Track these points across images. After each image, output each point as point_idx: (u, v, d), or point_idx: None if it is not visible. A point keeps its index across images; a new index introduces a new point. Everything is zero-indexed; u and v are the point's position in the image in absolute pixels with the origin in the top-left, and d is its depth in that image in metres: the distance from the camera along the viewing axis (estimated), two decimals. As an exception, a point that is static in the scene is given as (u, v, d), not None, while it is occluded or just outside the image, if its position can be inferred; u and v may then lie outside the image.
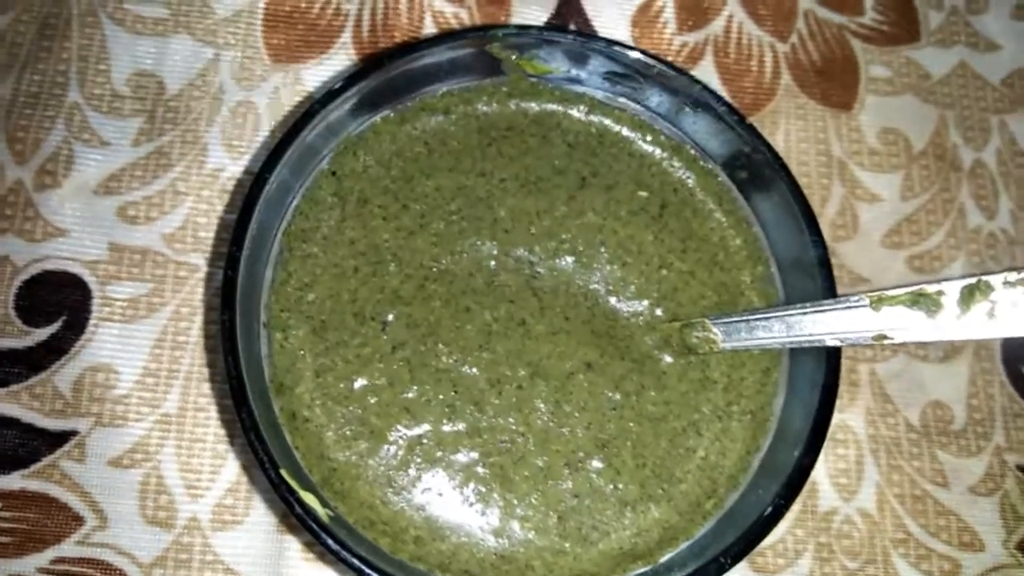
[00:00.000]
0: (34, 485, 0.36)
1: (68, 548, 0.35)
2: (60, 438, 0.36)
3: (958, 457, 0.40)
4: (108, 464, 0.36)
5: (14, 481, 0.36)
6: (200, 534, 0.36)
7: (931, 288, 0.29)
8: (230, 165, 0.41)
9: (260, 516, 0.36)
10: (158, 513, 0.36)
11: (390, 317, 0.33)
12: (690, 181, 0.37)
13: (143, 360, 0.38)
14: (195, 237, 0.40)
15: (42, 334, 0.38)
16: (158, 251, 0.39)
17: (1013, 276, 0.28)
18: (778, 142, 0.44)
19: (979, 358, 0.42)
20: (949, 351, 0.41)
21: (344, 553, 0.27)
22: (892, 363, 0.41)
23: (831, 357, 0.31)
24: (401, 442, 0.32)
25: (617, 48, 0.35)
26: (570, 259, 0.35)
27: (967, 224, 0.44)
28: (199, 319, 0.39)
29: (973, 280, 0.29)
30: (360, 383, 0.32)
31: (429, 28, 0.44)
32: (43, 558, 0.35)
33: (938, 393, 0.41)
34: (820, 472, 0.39)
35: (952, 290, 0.29)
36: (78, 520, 0.36)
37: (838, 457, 0.39)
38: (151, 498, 0.36)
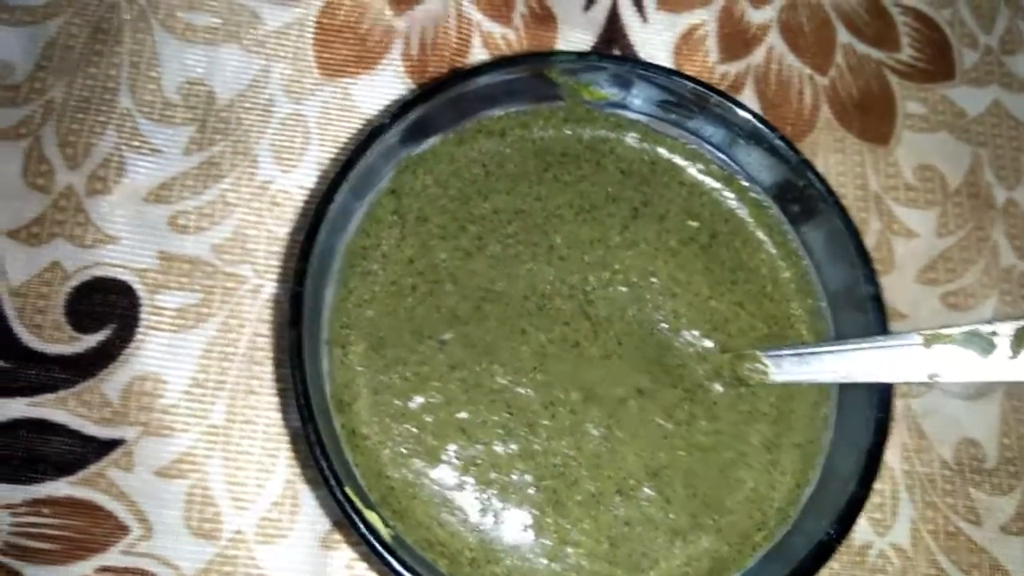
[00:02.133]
0: (80, 492, 0.36)
1: (113, 557, 0.35)
2: (108, 446, 0.37)
3: (991, 495, 0.41)
4: (155, 474, 0.36)
5: (61, 488, 0.36)
6: (245, 547, 0.36)
7: (984, 329, 0.30)
8: (279, 177, 0.41)
9: (304, 531, 0.36)
10: (203, 525, 0.36)
11: (447, 336, 0.33)
12: (741, 212, 0.37)
13: (191, 370, 0.38)
14: (244, 248, 0.40)
15: (91, 340, 0.38)
16: (207, 261, 0.40)
17: None
18: (817, 174, 0.45)
19: (1010, 397, 0.42)
20: (982, 388, 0.42)
21: (407, 575, 0.27)
22: (927, 399, 0.42)
23: (883, 393, 0.31)
24: (456, 462, 0.32)
25: (675, 78, 0.35)
26: (623, 288, 0.35)
27: (1000, 263, 0.45)
28: (247, 331, 0.39)
29: None
30: (417, 401, 0.32)
31: (477, 48, 0.45)
32: (88, 566, 0.35)
33: (971, 431, 0.41)
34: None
35: (1005, 331, 0.30)
36: (123, 529, 0.36)
37: (874, 492, 0.40)
38: (197, 509, 0.36)
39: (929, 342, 0.31)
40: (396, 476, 0.31)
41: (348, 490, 0.28)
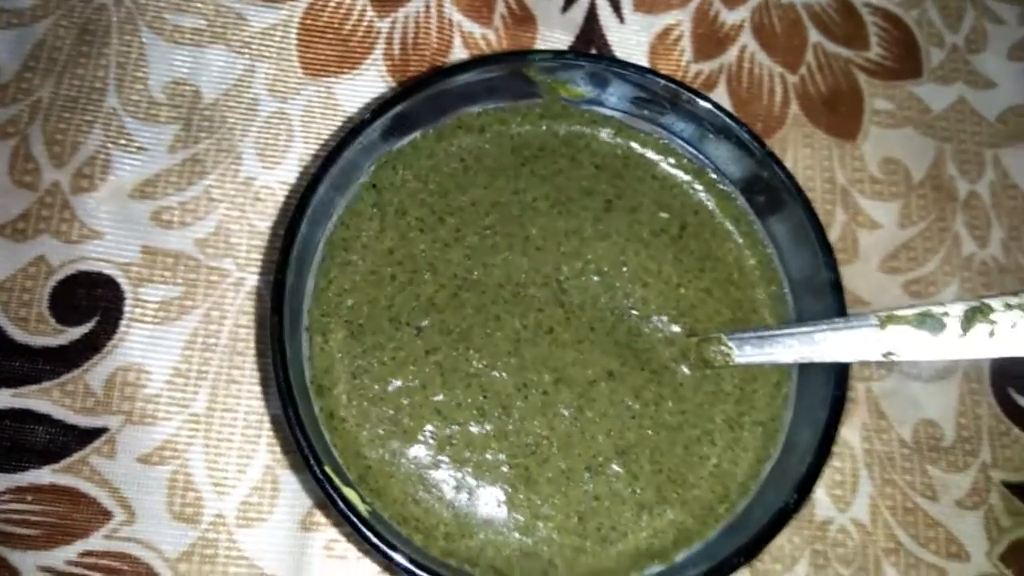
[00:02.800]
0: (64, 480, 0.37)
1: (96, 542, 0.36)
2: (90, 434, 0.37)
3: (947, 472, 0.42)
4: (137, 461, 0.37)
5: (44, 475, 0.37)
6: (226, 530, 0.37)
7: (936, 309, 0.31)
8: (263, 174, 0.42)
9: (284, 515, 0.37)
10: (185, 509, 0.37)
11: (424, 323, 0.34)
12: (709, 204, 0.39)
13: (173, 361, 0.39)
14: (227, 243, 0.41)
15: (75, 333, 0.39)
16: (190, 255, 0.41)
17: (1013, 300, 0.30)
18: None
19: (968, 379, 0.44)
20: (940, 371, 0.43)
21: (383, 547, 0.28)
22: (887, 382, 0.43)
23: (840, 373, 0.33)
24: (432, 442, 0.33)
25: (648, 76, 0.37)
26: (596, 278, 0.36)
27: (961, 252, 0.46)
28: (229, 323, 0.40)
29: (976, 303, 0.31)
30: (394, 385, 0.33)
31: (458, 48, 0.46)
32: (72, 551, 0.36)
33: (930, 411, 0.43)
34: (817, 483, 0.41)
35: (956, 311, 0.31)
36: (106, 515, 0.36)
37: (834, 470, 0.41)
38: (179, 494, 0.37)
39: (884, 323, 0.32)
40: (373, 456, 0.32)
41: (327, 468, 0.29)
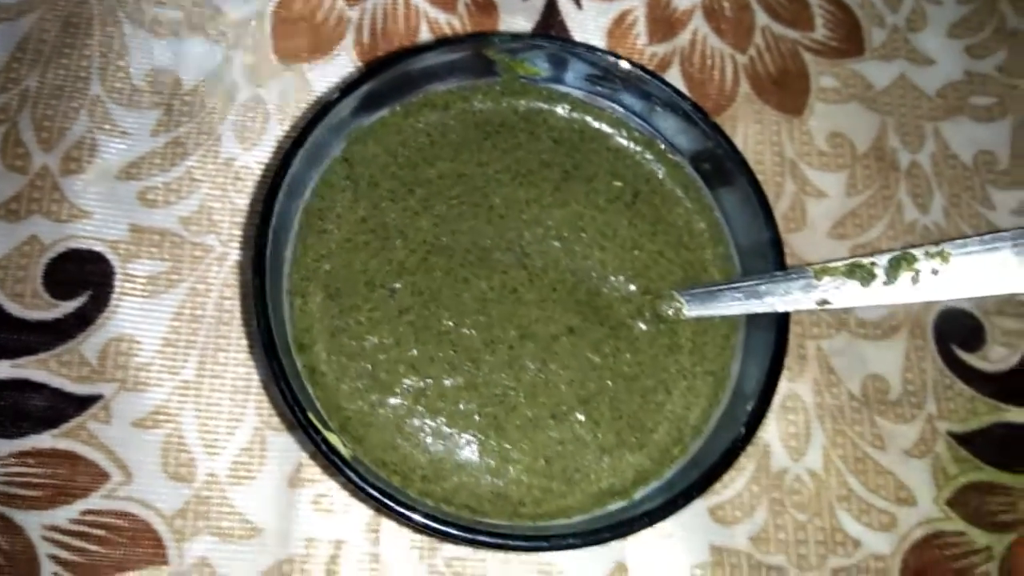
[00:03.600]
0: (63, 444, 0.39)
1: (96, 501, 0.38)
2: (87, 401, 0.40)
3: (895, 423, 0.45)
4: (132, 425, 0.40)
5: (44, 440, 0.39)
6: (218, 488, 0.39)
7: (865, 260, 0.34)
8: (242, 155, 0.45)
9: (273, 472, 0.40)
10: (179, 469, 0.39)
11: (397, 285, 0.37)
12: (660, 173, 0.42)
13: (163, 331, 0.41)
14: (210, 220, 0.43)
15: (69, 307, 0.41)
16: (175, 232, 0.43)
17: (933, 248, 0.33)
18: (737, 143, 0.49)
19: (914, 336, 0.47)
20: (887, 330, 0.47)
21: (364, 485, 0.30)
22: (836, 340, 0.46)
23: (781, 322, 0.36)
24: (407, 394, 0.36)
25: (599, 54, 0.40)
26: (556, 243, 0.39)
27: (904, 218, 0.49)
28: (214, 295, 0.42)
29: (899, 252, 0.34)
30: (370, 342, 0.36)
31: (424, 34, 0.49)
32: (73, 510, 0.38)
33: (877, 367, 0.46)
34: (773, 435, 0.44)
35: (882, 261, 0.34)
36: (104, 476, 0.39)
37: (789, 422, 0.44)
38: (172, 455, 0.39)
39: (818, 274, 0.35)
40: (353, 408, 0.35)
41: (310, 415, 0.31)
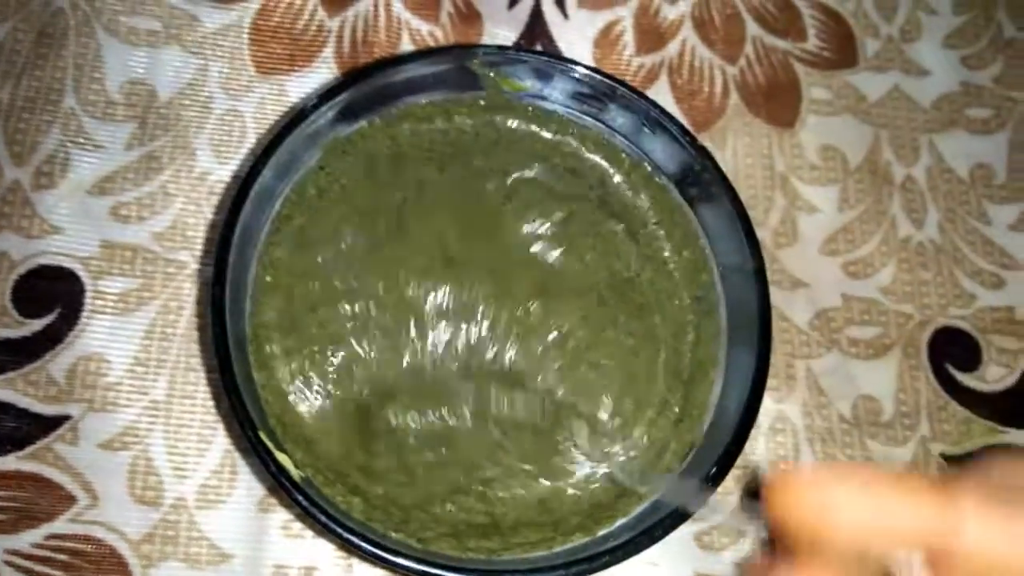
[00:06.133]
0: (28, 466, 0.38)
1: (61, 525, 0.37)
2: (54, 422, 0.39)
3: (886, 446, 0.44)
4: (99, 447, 0.39)
5: (9, 462, 0.38)
6: (186, 512, 0.38)
7: None
8: (217, 169, 0.44)
9: (242, 497, 0.39)
10: (147, 493, 0.38)
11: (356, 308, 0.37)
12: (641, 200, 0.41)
13: (133, 350, 0.40)
14: (184, 236, 0.42)
15: (37, 325, 0.40)
16: (148, 248, 0.42)
17: None
18: (727, 157, 0.48)
19: (907, 355, 0.45)
20: (879, 348, 0.45)
21: (313, 510, 0.30)
22: (826, 359, 0.45)
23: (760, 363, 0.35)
24: (366, 405, 0.35)
25: (585, 71, 0.38)
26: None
27: (898, 234, 0.48)
28: (187, 313, 0.41)
29: None
30: (338, 355, 0.36)
31: (406, 45, 0.48)
32: (37, 534, 0.37)
33: (869, 387, 0.45)
34: (762, 458, 0.43)
35: None
36: (70, 499, 0.38)
37: (777, 444, 0.43)
38: (140, 479, 0.38)
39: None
40: (311, 426, 0.35)
41: (261, 433, 0.30)
